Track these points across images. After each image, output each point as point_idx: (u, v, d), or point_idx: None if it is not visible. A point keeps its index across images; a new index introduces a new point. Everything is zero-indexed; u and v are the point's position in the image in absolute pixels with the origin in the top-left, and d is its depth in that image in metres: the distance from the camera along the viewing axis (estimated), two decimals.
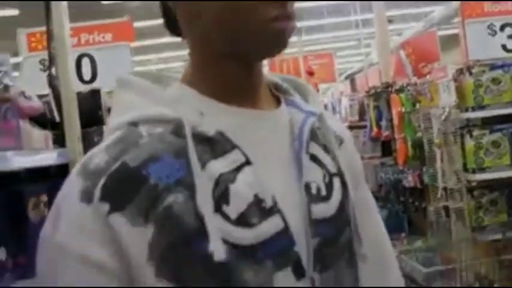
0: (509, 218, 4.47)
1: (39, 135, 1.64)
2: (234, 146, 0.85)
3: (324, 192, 0.90)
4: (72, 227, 0.80)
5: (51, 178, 1.83)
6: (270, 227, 0.83)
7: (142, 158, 0.82)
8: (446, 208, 4.89)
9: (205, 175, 0.81)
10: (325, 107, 9.41)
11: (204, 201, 0.80)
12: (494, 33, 4.78)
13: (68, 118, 1.84)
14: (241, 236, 0.81)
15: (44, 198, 1.66)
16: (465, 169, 4.41)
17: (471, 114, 4.33)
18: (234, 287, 0.80)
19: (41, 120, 1.70)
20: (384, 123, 7.02)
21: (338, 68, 9.94)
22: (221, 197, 0.82)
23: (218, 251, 0.79)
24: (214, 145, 0.84)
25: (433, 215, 5.60)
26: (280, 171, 0.88)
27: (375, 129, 7.23)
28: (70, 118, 1.84)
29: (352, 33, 13.39)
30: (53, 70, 1.85)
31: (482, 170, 4.32)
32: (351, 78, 8.65)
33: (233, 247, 0.80)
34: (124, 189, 0.80)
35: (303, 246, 0.85)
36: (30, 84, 2.64)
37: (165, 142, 0.84)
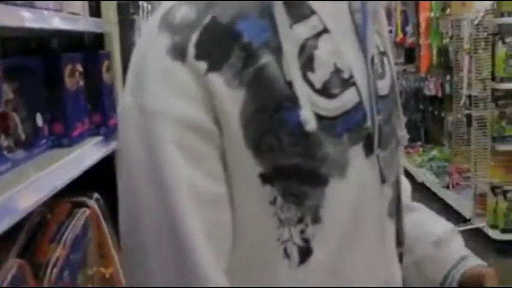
0: None
1: (77, 2, 1.58)
2: (312, 12, 0.78)
3: (380, 69, 0.86)
4: (166, 88, 0.72)
5: (85, 49, 1.79)
6: (348, 99, 0.79)
7: (231, 14, 0.74)
8: (468, 116, 4.84)
9: (291, 39, 0.75)
10: None
11: (293, 68, 0.74)
12: None
13: None
14: (326, 107, 0.76)
15: (80, 67, 1.61)
16: (493, 78, 4.33)
17: (507, 20, 4.19)
18: (316, 159, 0.76)
19: None
20: (409, 29, 6.87)
21: None
22: (306, 64, 0.75)
23: (310, 120, 0.74)
24: (295, 8, 0.77)
25: (452, 125, 5.58)
26: (349, 42, 0.82)
27: (400, 35, 7.08)
28: None
29: None
30: None
31: (511, 79, 4.25)
32: None
33: (318, 118, 0.75)
34: (219, 46, 0.72)
35: (371, 122, 0.81)
36: None
37: None
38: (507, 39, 4.18)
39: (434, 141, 6.75)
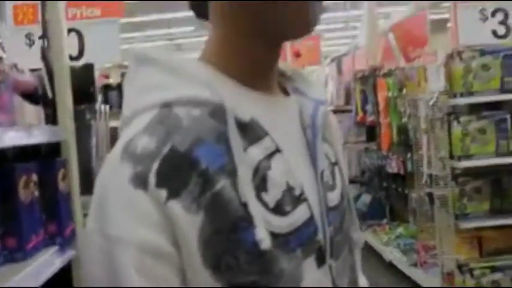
0: (492, 205, 4.51)
1: (32, 112, 1.58)
2: (266, 133, 0.83)
3: (330, 181, 0.92)
4: (128, 216, 0.76)
5: (41, 157, 1.77)
6: (300, 215, 0.83)
7: (189, 141, 0.79)
8: (429, 195, 4.92)
9: (246, 162, 0.80)
10: None
11: (247, 189, 0.78)
12: (485, 19, 4.76)
13: (60, 94, 1.76)
14: (279, 225, 0.80)
15: (35, 177, 1.60)
16: (451, 156, 4.42)
17: (459, 100, 4.33)
18: (272, 276, 0.79)
19: (33, 96, 1.64)
20: (369, 107, 7.02)
21: (325, 51, 9.88)
22: (260, 185, 0.80)
23: (264, 239, 0.78)
24: (250, 131, 0.82)
25: (416, 202, 5.63)
26: (300, 159, 0.88)
27: (360, 114, 7.23)
28: (63, 94, 1.76)
29: (340, 15, 13.34)
30: (46, 42, 1.78)
31: (468, 157, 4.33)
32: (338, 61, 8.61)
33: (273, 236, 0.79)
34: (178, 174, 0.77)
35: (322, 235, 0.86)
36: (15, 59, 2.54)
37: (205, 126, 0.81)
38: (461, 119, 4.30)
39: (400, 218, 6.79)
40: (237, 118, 0.80)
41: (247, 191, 0.78)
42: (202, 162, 0.77)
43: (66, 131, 1.78)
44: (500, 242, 4.63)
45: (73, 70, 1.89)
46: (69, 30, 4.61)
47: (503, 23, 4.69)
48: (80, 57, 4.58)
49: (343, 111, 7.86)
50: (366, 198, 7.21)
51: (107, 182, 0.78)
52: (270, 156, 0.82)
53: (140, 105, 0.83)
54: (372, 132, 7.16)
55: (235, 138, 0.79)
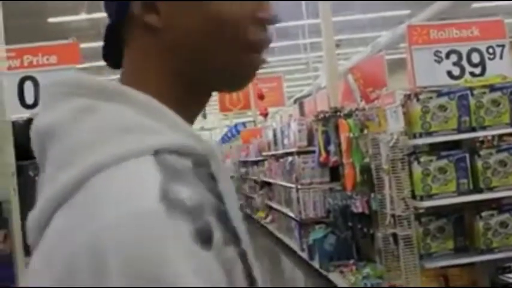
0: (455, 244, 4.52)
1: None
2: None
3: None
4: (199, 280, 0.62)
5: None
6: None
7: (206, 192, 0.70)
8: (394, 235, 4.90)
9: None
10: (274, 131, 9.42)
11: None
12: (440, 60, 4.85)
13: (1, 150, 1.70)
14: None
15: None
16: (413, 196, 4.43)
17: (419, 141, 4.36)
18: None
19: None
20: (332, 148, 7.04)
21: (289, 91, 9.97)
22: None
23: None
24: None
25: (381, 242, 5.61)
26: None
27: (323, 154, 7.24)
28: (4, 150, 1.70)
29: (301, 56, 13.53)
30: None
31: (430, 196, 4.35)
32: (300, 102, 8.67)
33: None
34: (227, 227, 0.70)
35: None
36: None
37: (201, 177, 0.71)
38: (422, 159, 4.32)
39: (367, 258, 6.75)
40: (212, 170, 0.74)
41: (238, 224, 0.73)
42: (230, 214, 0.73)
43: (7, 190, 1.71)
44: (466, 280, 4.64)
45: (15, 124, 1.82)
46: (25, 78, 4.57)
47: (457, 64, 4.78)
48: (36, 105, 4.51)
49: (307, 152, 7.87)
50: (332, 238, 7.18)
51: (155, 244, 0.61)
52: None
53: (122, 150, 0.67)
54: (335, 173, 7.16)
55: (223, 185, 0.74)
